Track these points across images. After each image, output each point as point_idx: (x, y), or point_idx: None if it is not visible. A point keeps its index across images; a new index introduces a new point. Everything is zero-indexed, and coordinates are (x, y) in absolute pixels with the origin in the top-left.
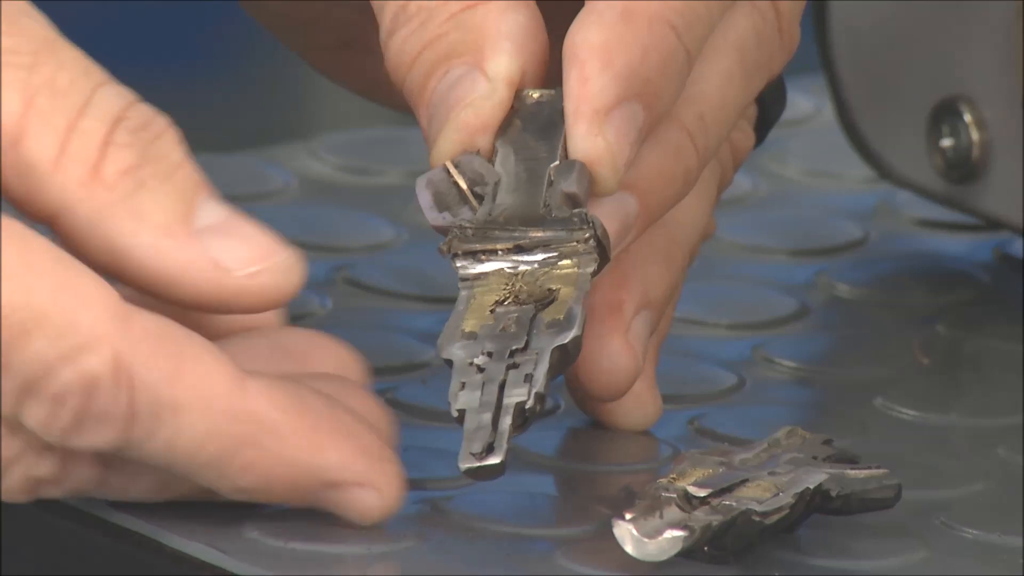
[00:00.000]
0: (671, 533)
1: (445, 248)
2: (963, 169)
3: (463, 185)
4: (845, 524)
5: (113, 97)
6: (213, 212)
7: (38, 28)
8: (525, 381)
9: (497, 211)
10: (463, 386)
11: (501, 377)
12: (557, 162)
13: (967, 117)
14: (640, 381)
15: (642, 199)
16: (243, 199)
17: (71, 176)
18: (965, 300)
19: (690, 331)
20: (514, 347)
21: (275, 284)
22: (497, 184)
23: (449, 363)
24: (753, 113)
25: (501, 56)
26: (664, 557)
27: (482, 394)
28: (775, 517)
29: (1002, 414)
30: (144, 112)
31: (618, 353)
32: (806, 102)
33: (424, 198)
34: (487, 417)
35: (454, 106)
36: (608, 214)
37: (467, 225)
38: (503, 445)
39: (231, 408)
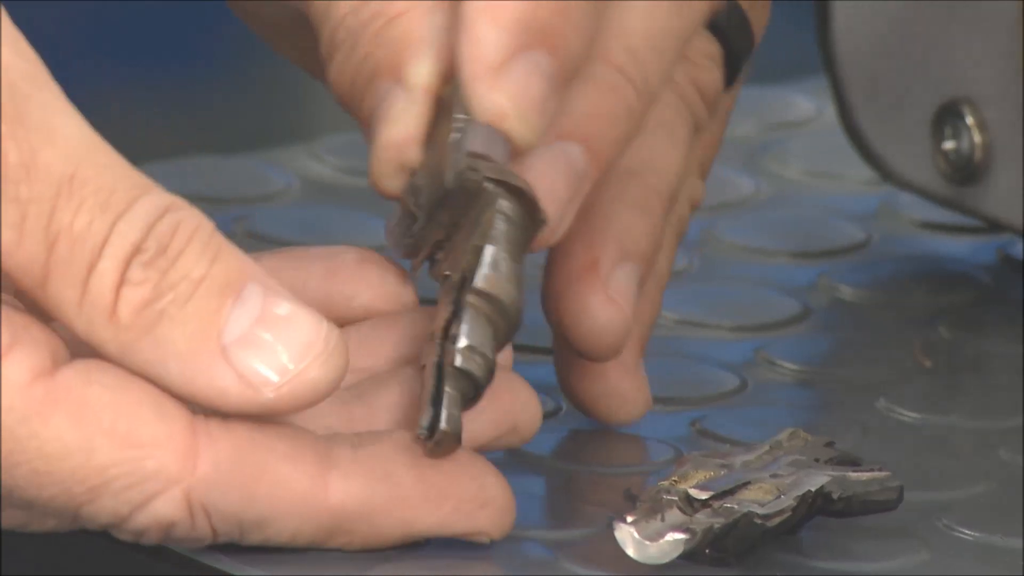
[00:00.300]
0: (672, 536)
1: (415, 268)
2: (965, 171)
3: (409, 205)
4: (847, 526)
5: (132, 229)
6: (242, 318)
7: (59, 161)
8: (452, 343)
9: (423, 211)
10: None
11: (437, 355)
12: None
13: (969, 119)
14: (622, 376)
15: (587, 145)
16: (244, 201)
17: (93, 319)
18: (967, 302)
19: (691, 333)
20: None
21: (312, 388)
22: (429, 184)
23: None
24: (717, 51)
25: (417, 64)
26: (665, 560)
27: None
28: (777, 519)
29: (1003, 416)
30: (165, 232)
31: (599, 309)
32: (808, 103)
33: (390, 239)
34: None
35: (377, 125)
36: (551, 166)
37: (409, 241)
38: (450, 413)
39: (314, 511)
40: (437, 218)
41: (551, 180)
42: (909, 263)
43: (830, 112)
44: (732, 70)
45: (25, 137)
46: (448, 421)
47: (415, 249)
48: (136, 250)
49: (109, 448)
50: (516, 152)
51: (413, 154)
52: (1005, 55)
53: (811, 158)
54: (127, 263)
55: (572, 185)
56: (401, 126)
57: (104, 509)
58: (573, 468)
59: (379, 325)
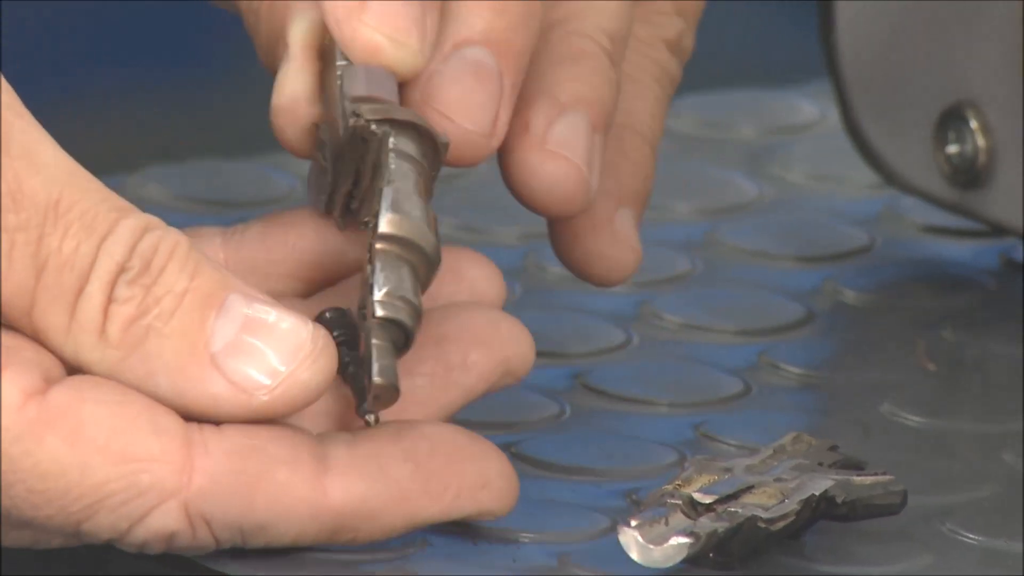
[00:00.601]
0: (676, 540)
1: (336, 223)
2: (969, 175)
3: (321, 161)
4: (850, 530)
5: (116, 247)
6: (227, 327)
7: (45, 188)
8: (370, 293)
9: (329, 164)
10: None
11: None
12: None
13: (973, 123)
14: (597, 235)
15: (490, 45)
16: (248, 205)
17: (82, 341)
18: (970, 305)
19: (696, 337)
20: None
21: (303, 389)
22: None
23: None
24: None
25: (294, 23)
26: (670, 564)
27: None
28: (781, 523)
29: (1007, 419)
30: (148, 245)
31: (540, 166)
32: (811, 107)
33: (310, 196)
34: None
35: (273, 92)
36: (457, 76)
37: (323, 197)
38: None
39: (314, 514)
40: (341, 169)
41: (460, 90)
42: (912, 267)
43: (833, 116)
44: None
45: (10, 165)
46: (381, 373)
47: (331, 203)
48: (121, 269)
49: (104, 465)
50: (406, 80)
51: (306, 111)
52: (1009, 59)
53: (814, 162)
54: (113, 283)
55: (487, 87)
56: (287, 88)
57: (103, 525)
58: (577, 471)
59: (274, 223)
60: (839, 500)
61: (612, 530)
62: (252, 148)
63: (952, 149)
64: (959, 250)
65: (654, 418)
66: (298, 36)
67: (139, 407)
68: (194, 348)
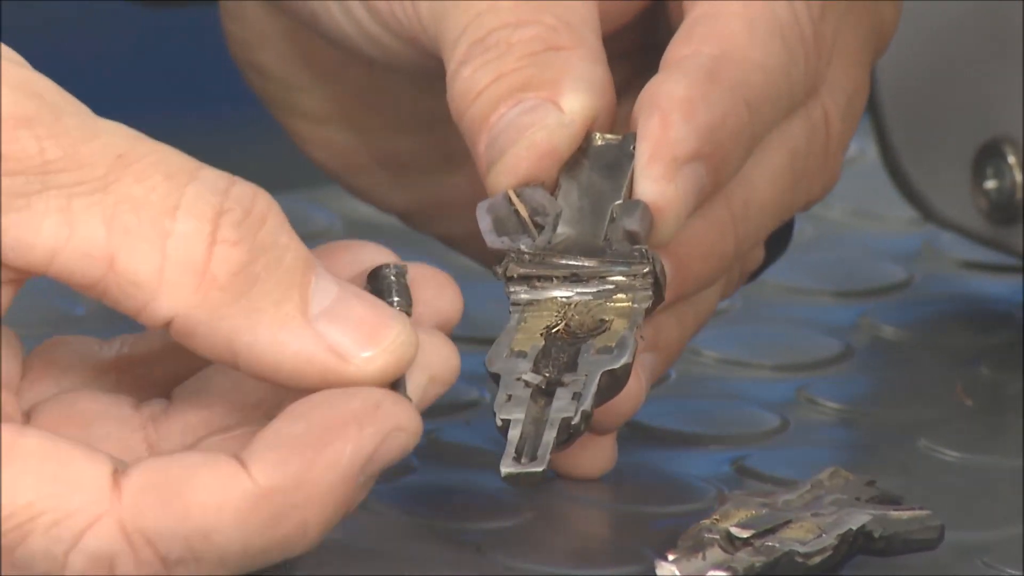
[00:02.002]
0: (714, 574)
1: (501, 271)
2: (1007, 211)
3: (523, 213)
4: (888, 565)
5: (206, 192)
6: (325, 293)
7: (104, 148)
8: (573, 399)
9: (556, 240)
10: (509, 398)
11: (549, 393)
12: (621, 200)
13: (1011, 159)
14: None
15: (678, 269)
16: None
17: (180, 283)
18: (1009, 341)
19: (734, 372)
20: (563, 367)
21: (393, 362)
22: (558, 216)
23: (496, 377)
24: (760, 254)
25: (580, 94)
26: None
27: (529, 406)
28: (818, 558)
29: None
30: (243, 197)
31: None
32: (851, 144)
33: (484, 221)
34: (532, 428)
35: (525, 129)
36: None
37: (525, 251)
38: (546, 456)
39: (251, 503)
40: (557, 248)
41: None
42: (951, 303)
43: (872, 153)
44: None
45: (65, 134)
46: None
47: (501, 256)
48: (220, 210)
49: (35, 485)
50: (651, 243)
51: (550, 169)
52: None
53: (854, 198)
54: (215, 222)
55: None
56: (553, 138)
57: (38, 550)
58: (615, 507)
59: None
60: (876, 535)
61: (650, 564)
62: (292, 184)
63: (990, 185)
64: (997, 286)
65: (692, 453)
66: (578, 106)
67: (73, 443)
68: (300, 304)
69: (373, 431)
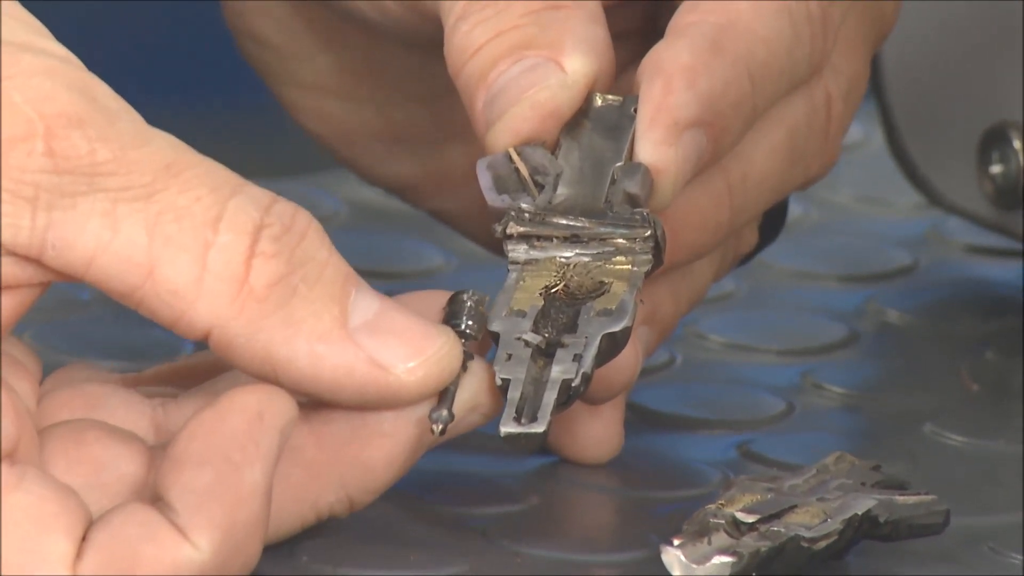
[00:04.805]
0: (719, 559)
1: (500, 229)
2: (1013, 195)
3: (524, 172)
4: (893, 550)
5: (248, 206)
6: (365, 306)
7: (153, 156)
8: (573, 360)
9: (556, 200)
10: (509, 357)
11: (549, 353)
12: (621, 163)
13: (1016, 143)
14: (592, 418)
15: (672, 236)
16: None
17: (218, 294)
18: (1014, 327)
19: (739, 357)
20: (562, 328)
21: (436, 373)
22: (559, 176)
23: (495, 336)
24: (754, 236)
25: (581, 55)
26: None
27: (529, 367)
28: (824, 543)
29: None
30: (284, 213)
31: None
32: (856, 129)
33: (484, 179)
34: (531, 389)
35: (527, 88)
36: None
37: (525, 209)
38: (546, 416)
39: (203, 570)
40: (558, 208)
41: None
42: (957, 287)
43: (878, 138)
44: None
45: (117, 138)
46: (543, 424)
47: (500, 213)
48: (261, 225)
49: (3, 551)
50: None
51: (552, 129)
52: None
53: (859, 183)
54: (255, 236)
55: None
56: (555, 98)
57: None
58: (620, 492)
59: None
60: (882, 520)
61: (655, 549)
62: (297, 169)
63: (996, 169)
64: (1003, 271)
65: (697, 438)
66: (580, 67)
67: (59, 496)
68: (339, 317)
69: (268, 441)
